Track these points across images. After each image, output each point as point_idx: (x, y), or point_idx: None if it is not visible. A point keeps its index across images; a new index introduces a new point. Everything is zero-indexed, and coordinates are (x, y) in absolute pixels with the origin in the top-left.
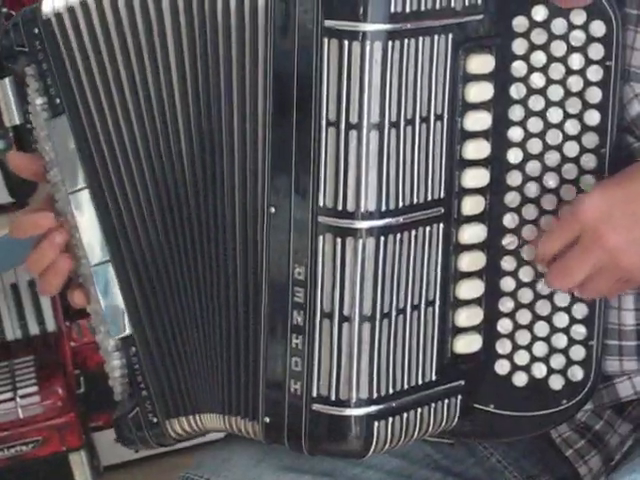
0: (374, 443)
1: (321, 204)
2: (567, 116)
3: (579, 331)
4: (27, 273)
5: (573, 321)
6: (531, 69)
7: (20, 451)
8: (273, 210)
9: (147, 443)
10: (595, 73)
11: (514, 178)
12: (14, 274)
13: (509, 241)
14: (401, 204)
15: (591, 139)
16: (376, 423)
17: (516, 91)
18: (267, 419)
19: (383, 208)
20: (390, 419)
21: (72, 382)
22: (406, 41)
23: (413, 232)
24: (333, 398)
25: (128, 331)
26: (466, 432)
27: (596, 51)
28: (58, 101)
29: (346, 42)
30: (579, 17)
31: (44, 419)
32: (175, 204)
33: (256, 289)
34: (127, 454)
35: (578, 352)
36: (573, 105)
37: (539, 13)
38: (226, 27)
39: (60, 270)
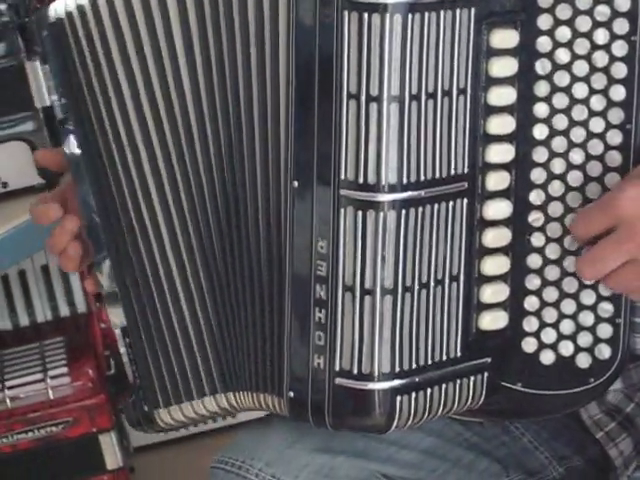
0: (397, 418)
1: (343, 177)
2: (592, 92)
3: (606, 308)
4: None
5: (600, 298)
6: (556, 44)
7: (50, 432)
8: (296, 184)
9: (143, 429)
10: (620, 48)
11: (540, 154)
12: (45, 256)
13: (535, 217)
14: (423, 178)
15: (616, 115)
16: (399, 398)
17: (541, 67)
18: (291, 394)
19: (404, 181)
20: (413, 394)
21: (102, 363)
22: (427, 14)
23: (436, 206)
24: (355, 372)
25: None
26: (494, 411)
27: (621, 26)
28: (64, 101)
29: (366, 15)
30: None
31: (74, 400)
32: (197, 185)
33: (280, 263)
34: (157, 436)
35: (605, 330)
36: (598, 80)
37: None
38: (243, 4)
39: (70, 255)
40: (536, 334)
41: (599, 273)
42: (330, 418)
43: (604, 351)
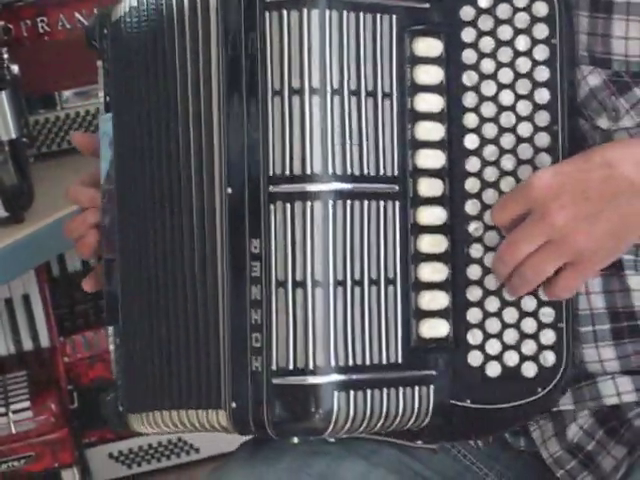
0: (334, 415)
1: (271, 174)
2: (518, 97)
3: (547, 312)
4: (21, 288)
5: (541, 304)
6: (481, 55)
7: (12, 467)
8: (230, 190)
9: (114, 426)
10: (542, 52)
11: (473, 164)
12: (8, 289)
13: (474, 227)
14: (350, 171)
15: (543, 117)
16: (336, 393)
17: (468, 78)
18: (234, 404)
19: (330, 171)
20: (352, 392)
21: (65, 398)
22: (345, 13)
23: (365, 203)
24: (291, 367)
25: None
26: (446, 432)
27: (540, 30)
28: (108, 99)
29: (285, 12)
30: (522, 0)
31: (36, 435)
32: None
33: (214, 271)
34: (120, 471)
35: (548, 335)
36: (523, 86)
37: (484, 1)
38: (180, 9)
39: (87, 243)
40: (481, 346)
41: (515, 255)
42: (271, 423)
43: (548, 358)
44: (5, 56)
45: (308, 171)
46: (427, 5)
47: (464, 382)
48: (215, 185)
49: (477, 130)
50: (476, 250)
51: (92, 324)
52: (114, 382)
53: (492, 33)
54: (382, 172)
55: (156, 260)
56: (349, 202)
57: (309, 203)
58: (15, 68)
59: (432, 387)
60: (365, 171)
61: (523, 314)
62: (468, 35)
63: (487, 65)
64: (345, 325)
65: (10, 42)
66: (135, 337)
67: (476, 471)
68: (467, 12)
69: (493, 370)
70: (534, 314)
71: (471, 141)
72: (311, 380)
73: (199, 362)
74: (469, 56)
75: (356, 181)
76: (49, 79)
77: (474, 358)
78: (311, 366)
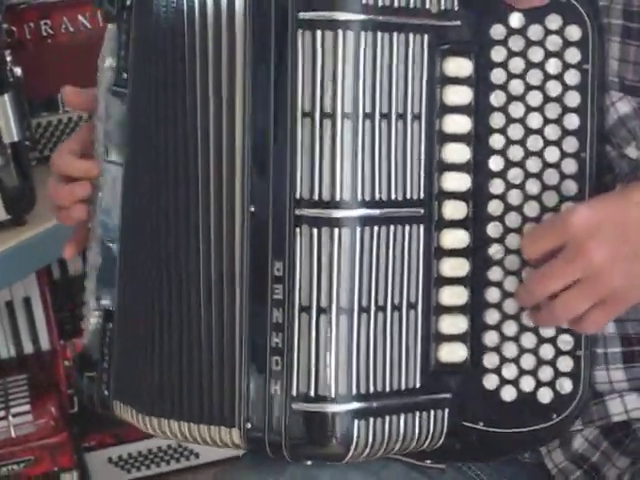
0: (354, 443)
1: (298, 196)
2: (547, 121)
3: (566, 340)
4: (22, 290)
5: (560, 330)
6: (510, 76)
7: (12, 470)
8: (253, 209)
9: (92, 404)
10: (573, 77)
11: (497, 186)
12: (9, 292)
13: (495, 250)
14: (378, 196)
15: (571, 143)
16: (356, 421)
17: (496, 98)
18: (248, 425)
19: (359, 198)
20: (371, 419)
21: (65, 402)
22: (379, 34)
23: (392, 228)
24: (312, 394)
25: (112, 307)
26: (457, 453)
27: (572, 55)
28: (125, 76)
29: (319, 32)
30: (555, 22)
31: (36, 438)
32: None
33: (233, 289)
34: (119, 476)
35: (566, 363)
36: (552, 110)
37: (515, 20)
38: (203, 34)
39: (73, 216)
40: (497, 370)
41: (546, 289)
42: (288, 446)
43: (565, 385)
44: (8, 59)
45: (337, 197)
46: (458, 23)
47: (478, 405)
48: (236, 202)
49: (503, 152)
50: (495, 273)
51: None
52: (92, 358)
53: (523, 54)
54: (409, 196)
55: (169, 273)
56: (376, 228)
57: (337, 230)
58: (18, 71)
59: (447, 410)
60: (392, 196)
61: (541, 340)
62: (498, 54)
63: (516, 86)
64: (367, 352)
65: (13, 45)
66: (140, 341)
67: None
68: (498, 30)
69: (508, 394)
70: (553, 341)
71: (496, 163)
72: (332, 408)
73: (212, 380)
74: (498, 76)
75: (383, 206)
76: (52, 82)
77: (489, 381)
78: (332, 394)
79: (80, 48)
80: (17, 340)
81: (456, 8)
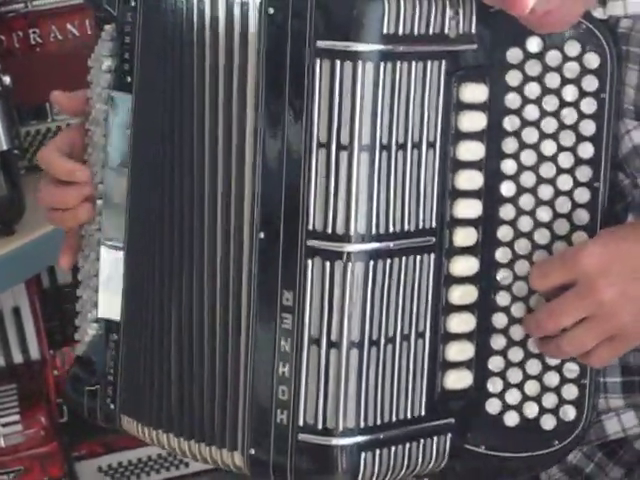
0: (360, 475)
1: (310, 227)
2: (561, 149)
3: (572, 369)
4: (11, 300)
5: (565, 359)
6: (525, 101)
7: None
8: (262, 235)
9: (94, 417)
10: (589, 105)
11: (507, 211)
12: None
13: (503, 276)
14: (392, 229)
15: (585, 172)
16: (363, 454)
17: (510, 123)
18: (252, 450)
19: (373, 232)
20: (377, 451)
21: (55, 411)
22: (398, 64)
23: (404, 259)
24: (320, 427)
25: (117, 317)
26: (456, 473)
27: (590, 83)
28: (129, 79)
29: (338, 62)
30: (573, 49)
31: (26, 448)
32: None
33: (239, 316)
34: None
35: (571, 391)
36: (567, 138)
37: (533, 44)
38: (214, 50)
39: (78, 217)
40: (500, 395)
41: (556, 325)
42: (293, 474)
43: (569, 413)
44: None
45: (352, 232)
46: (475, 46)
47: (480, 428)
48: (244, 227)
49: (514, 178)
50: (503, 298)
51: None
52: (92, 370)
53: (539, 79)
54: (421, 226)
55: (170, 292)
56: (388, 261)
57: (350, 264)
58: (7, 79)
59: (449, 435)
60: (405, 227)
61: (547, 367)
62: (513, 78)
63: (531, 112)
64: (376, 385)
65: (2, 53)
66: (146, 357)
67: None
68: (514, 54)
69: (511, 419)
70: (558, 368)
71: (507, 188)
72: (339, 441)
73: (214, 403)
74: (513, 100)
75: (396, 238)
76: (41, 90)
77: (492, 406)
78: (340, 427)
79: (69, 56)
80: (6, 350)
81: (473, 31)
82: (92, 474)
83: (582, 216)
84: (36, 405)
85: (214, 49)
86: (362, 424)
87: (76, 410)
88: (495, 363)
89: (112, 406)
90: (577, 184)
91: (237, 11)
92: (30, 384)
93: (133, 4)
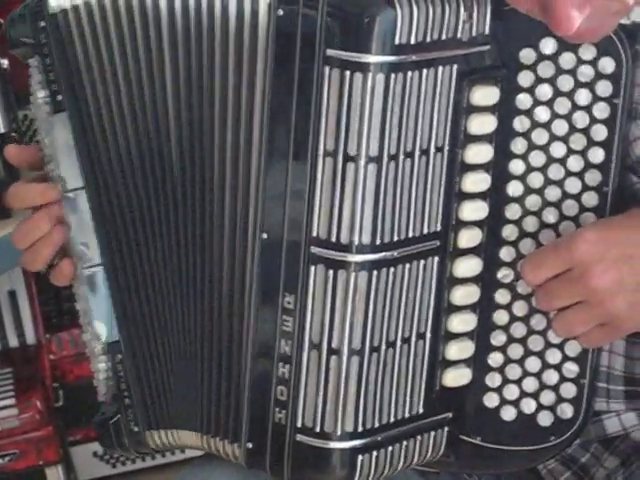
0: (357, 476)
1: (314, 234)
2: (570, 152)
3: (571, 369)
4: (8, 284)
5: (565, 358)
6: (536, 102)
7: None
8: (265, 236)
9: (127, 450)
10: (602, 110)
11: (513, 211)
12: None
13: (504, 274)
14: (396, 238)
15: (594, 177)
16: (360, 457)
17: (520, 124)
18: (250, 444)
19: (377, 242)
20: (374, 453)
21: (50, 395)
22: (409, 73)
23: (407, 266)
24: (317, 430)
25: (116, 337)
26: (451, 463)
27: (604, 88)
28: (60, 97)
29: (348, 73)
30: (589, 52)
31: (21, 432)
32: (172, 215)
33: (241, 314)
34: (104, 469)
35: (569, 389)
36: (577, 141)
37: (548, 46)
38: (224, 52)
39: (53, 241)
40: (498, 390)
41: (549, 307)
42: (289, 473)
43: (566, 410)
44: None
45: (356, 242)
46: (487, 47)
47: (477, 421)
48: (249, 227)
49: (522, 178)
50: (502, 296)
51: (79, 321)
52: (112, 403)
53: (551, 81)
54: (426, 230)
55: (172, 291)
56: (392, 270)
57: (353, 274)
58: (4, 62)
59: (446, 428)
60: (410, 234)
61: (546, 365)
62: (525, 79)
63: (542, 113)
64: (375, 389)
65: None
66: (152, 364)
67: None
68: (527, 55)
69: (508, 414)
70: (557, 367)
71: (514, 189)
72: (337, 445)
73: (219, 398)
74: (524, 101)
75: (401, 246)
76: None
77: (490, 400)
78: (338, 432)
79: None
80: (2, 334)
81: (487, 32)
82: (87, 459)
83: (590, 220)
84: (32, 389)
85: (224, 51)
86: (360, 428)
87: (112, 453)
88: (494, 359)
89: (136, 428)
90: (586, 188)
91: (248, 8)
92: (26, 368)
93: (42, 24)
